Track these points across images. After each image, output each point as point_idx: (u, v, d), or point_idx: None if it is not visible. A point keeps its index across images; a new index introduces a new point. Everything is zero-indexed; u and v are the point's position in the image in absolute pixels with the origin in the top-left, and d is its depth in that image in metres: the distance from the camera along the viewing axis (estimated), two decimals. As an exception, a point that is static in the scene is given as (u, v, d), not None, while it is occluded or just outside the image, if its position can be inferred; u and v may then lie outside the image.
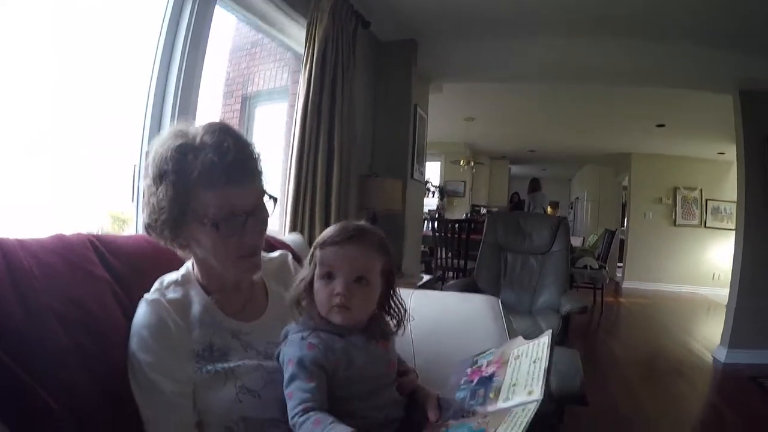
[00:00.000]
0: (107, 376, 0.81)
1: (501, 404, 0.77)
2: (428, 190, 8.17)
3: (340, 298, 0.85)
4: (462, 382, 0.92)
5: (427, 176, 6.40)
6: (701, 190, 7.71)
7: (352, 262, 0.87)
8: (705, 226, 7.71)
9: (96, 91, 1.65)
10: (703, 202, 7.72)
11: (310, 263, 0.90)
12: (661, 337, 4.80)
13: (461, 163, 7.54)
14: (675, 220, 7.79)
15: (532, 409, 0.69)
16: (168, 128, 0.92)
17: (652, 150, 7.55)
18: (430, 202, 8.40)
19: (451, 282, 3.49)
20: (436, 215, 7.59)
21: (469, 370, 0.94)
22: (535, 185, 8.57)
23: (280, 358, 0.87)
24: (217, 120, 0.92)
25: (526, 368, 0.80)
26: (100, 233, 1.02)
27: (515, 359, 0.85)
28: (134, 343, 0.84)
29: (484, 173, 9.77)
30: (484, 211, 9.23)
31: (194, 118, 1.78)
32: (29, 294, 0.75)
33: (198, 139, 0.85)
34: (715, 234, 7.61)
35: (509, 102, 5.69)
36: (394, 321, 0.96)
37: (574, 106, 5.52)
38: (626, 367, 3.74)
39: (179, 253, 0.95)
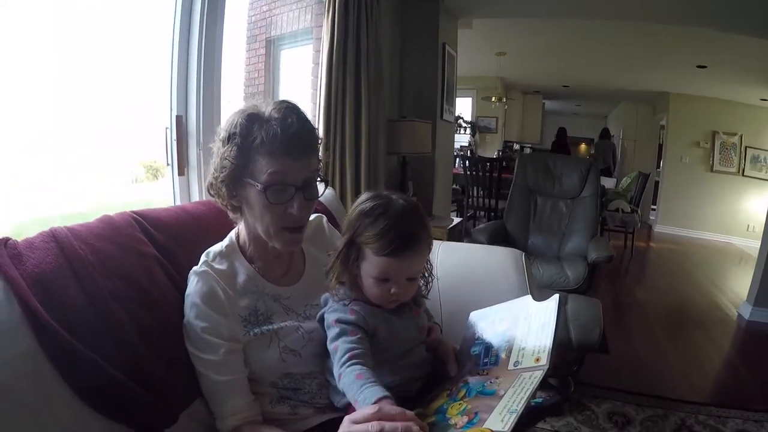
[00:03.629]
0: (164, 345, 0.91)
1: (511, 367, 0.83)
2: (459, 126, 8.04)
3: (395, 296, 0.92)
4: (476, 336, 1.00)
5: (458, 112, 6.30)
6: (741, 136, 7.20)
7: (408, 271, 0.92)
8: (743, 175, 7.26)
9: (120, 52, 1.67)
10: (742, 149, 7.22)
11: (350, 246, 0.93)
12: (688, 287, 4.71)
13: (493, 99, 7.33)
14: (712, 166, 7.38)
15: (538, 377, 0.75)
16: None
17: (691, 91, 7.04)
18: (462, 138, 8.29)
19: (481, 226, 3.51)
20: (468, 152, 7.53)
21: (482, 324, 1.01)
22: (602, 134, 8.96)
23: (325, 323, 0.95)
24: (287, 99, 0.99)
25: (535, 333, 0.85)
26: (141, 209, 1.10)
27: (524, 320, 0.90)
28: (189, 312, 0.94)
29: (517, 109, 9.45)
30: (516, 147, 9.10)
31: (219, 66, 1.79)
32: (87, 280, 0.84)
33: (267, 113, 0.93)
34: (753, 183, 7.18)
35: (543, 36, 5.35)
36: (422, 282, 1.02)
37: (612, 41, 5.16)
38: (651, 316, 3.75)
39: (231, 215, 1.04)
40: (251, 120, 0.92)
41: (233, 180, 0.94)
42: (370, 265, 0.91)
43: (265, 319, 0.99)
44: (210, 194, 1.01)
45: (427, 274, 1.01)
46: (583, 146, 11.73)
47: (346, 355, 0.84)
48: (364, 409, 0.73)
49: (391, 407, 0.72)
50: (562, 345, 1.97)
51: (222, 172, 0.94)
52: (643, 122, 9.07)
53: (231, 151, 0.92)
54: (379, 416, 0.70)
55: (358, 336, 0.88)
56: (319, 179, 1.00)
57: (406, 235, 0.88)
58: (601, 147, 8.86)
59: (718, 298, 4.33)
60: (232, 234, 1.07)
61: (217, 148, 0.97)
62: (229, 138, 0.93)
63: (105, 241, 0.93)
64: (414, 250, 0.90)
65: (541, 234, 3.34)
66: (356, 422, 0.72)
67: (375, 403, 0.74)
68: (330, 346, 0.90)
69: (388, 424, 0.69)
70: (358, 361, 0.83)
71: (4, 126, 1.35)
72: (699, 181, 7.44)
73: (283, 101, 0.96)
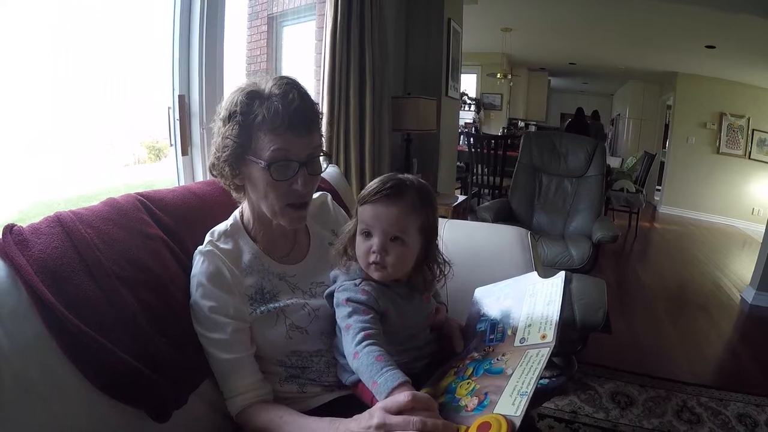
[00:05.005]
0: (172, 326, 0.91)
1: (517, 343, 0.83)
2: (464, 102, 7.95)
3: (375, 256, 0.90)
4: (481, 313, 1.00)
5: (463, 88, 6.22)
6: (749, 119, 7.03)
7: (387, 221, 0.90)
8: (749, 158, 7.12)
9: (121, 31, 1.64)
10: (749, 132, 7.08)
11: (355, 215, 0.95)
12: (691, 269, 4.68)
13: (498, 76, 7.24)
14: (718, 148, 7.25)
15: (545, 354, 0.75)
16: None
17: (699, 71, 6.90)
18: (466, 115, 8.21)
19: (486, 204, 3.50)
20: (473, 130, 7.47)
21: (487, 301, 1.01)
22: (593, 115, 9.01)
23: (335, 301, 0.94)
24: (287, 75, 0.97)
25: (541, 309, 0.85)
26: (145, 190, 1.09)
27: (530, 296, 0.90)
28: (196, 292, 0.94)
29: (522, 86, 9.35)
30: (521, 125, 9.02)
31: (222, 44, 1.76)
32: (94, 263, 0.84)
33: (267, 90, 0.92)
34: (759, 167, 7.06)
35: (549, 12, 5.26)
36: (437, 271, 1.00)
37: (620, 18, 5.07)
38: (653, 297, 3.75)
39: (234, 195, 1.04)
40: (251, 97, 0.91)
41: (236, 159, 0.93)
42: (359, 221, 0.92)
43: (272, 297, 0.99)
44: (212, 174, 1.01)
45: (441, 261, 1.00)
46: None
47: (362, 334, 0.83)
48: (396, 397, 0.72)
49: (421, 395, 0.73)
50: (566, 324, 1.98)
51: (224, 152, 0.93)
52: (650, 102, 8.95)
53: (232, 129, 0.91)
54: (413, 405, 0.71)
55: (371, 316, 0.88)
56: (321, 154, 0.99)
57: (387, 183, 0.90)
58: (594, 128, 8.81)
59: (721, 281, 4.31)
60: (236, 213, 1.07)
61: (218, 127, 0.95)
62: (230, 116, 0.92)
63: (110, 224, 0.93)
64: (393, 200, 0.90)
65: (546, 213, 3.34)
66: (390, 411, 0.72)
67: (396, 387, 0.74)
68: (342, 324, 0.89)
69: (430, 422, 0.69)
70: (375, 342, 0.82)
71: (4, 109, 1.32)
72: (705, 163, 7.35)
73: (283, 77, 0.94)
